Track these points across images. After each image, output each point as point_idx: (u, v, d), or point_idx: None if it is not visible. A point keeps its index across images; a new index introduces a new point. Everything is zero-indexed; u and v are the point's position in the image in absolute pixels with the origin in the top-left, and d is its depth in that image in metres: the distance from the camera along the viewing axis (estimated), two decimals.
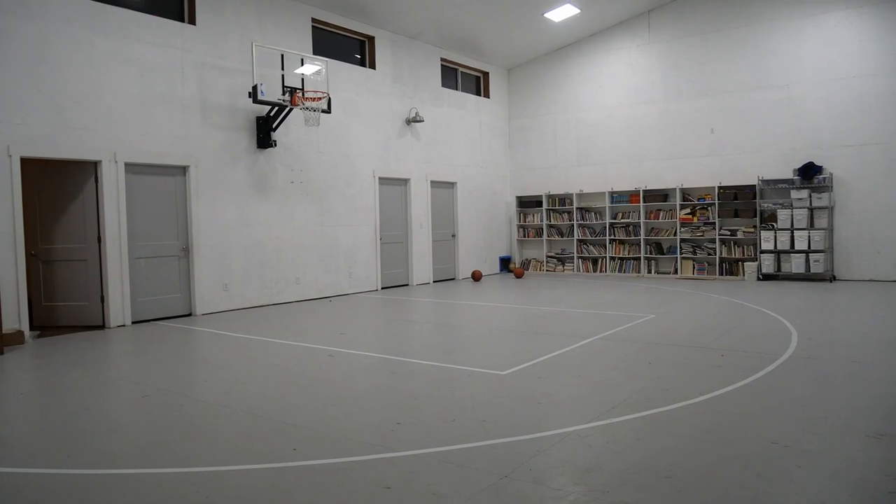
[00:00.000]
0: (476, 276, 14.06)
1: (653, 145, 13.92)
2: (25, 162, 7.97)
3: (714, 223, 13.11)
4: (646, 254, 13.97)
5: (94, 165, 8.44)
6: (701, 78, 13.25)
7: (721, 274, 13.08)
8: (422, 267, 13.41)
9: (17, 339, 7.36)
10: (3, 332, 7.03)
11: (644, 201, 13.90)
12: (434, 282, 13.69)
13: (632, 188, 14.13)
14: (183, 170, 9.32)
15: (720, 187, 12.99)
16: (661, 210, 13.80)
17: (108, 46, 8.43)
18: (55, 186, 8.55)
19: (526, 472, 3.36)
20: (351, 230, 11.85)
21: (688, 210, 13.41)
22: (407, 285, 13.08)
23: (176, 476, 3.43)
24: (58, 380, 5.70)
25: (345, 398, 4.88)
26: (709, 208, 13.19)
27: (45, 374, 5.99)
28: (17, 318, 7.60)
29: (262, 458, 3.64)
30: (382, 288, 12.53)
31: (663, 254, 13.83)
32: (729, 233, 12.97)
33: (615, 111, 14.36)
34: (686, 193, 13.53)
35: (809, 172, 11.92)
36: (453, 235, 14.35)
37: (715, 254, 13.12)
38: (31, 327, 8.17)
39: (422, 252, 13.41)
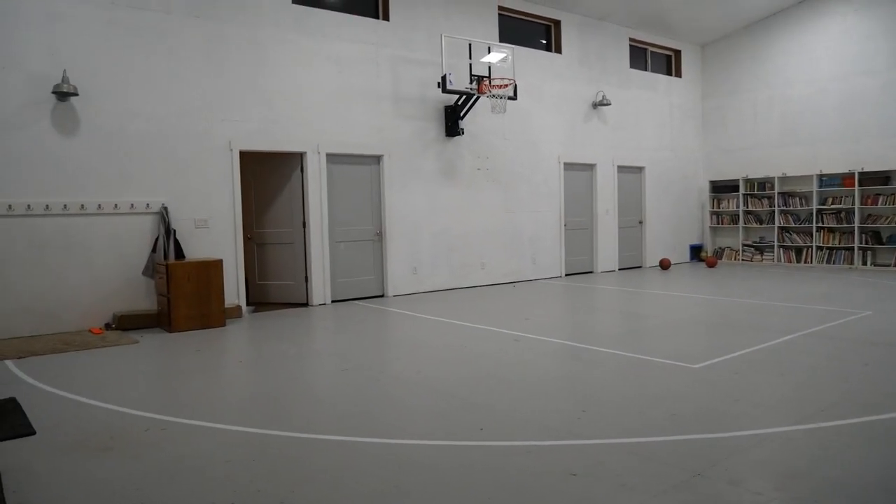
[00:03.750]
0: (664, 265, 13.48)
1: (872, 122, 12.44)
2: (243, 155, 8.86)
3: None
4: (860, 243, 12.56)
5: (300, 157, 9.18)
6: None
7: None
8: (607, 254, 13.11)
9: (236, 312, 8.27)
10: (225, 306, 7.91)
11: (860, 185, 12.48)
12: (619, 269, 13.33)
13: (845, 170, 12.74)
14: (377, 159, 9.86)
15: None
16: (880, 195, 12.31)
17: (311, 46, 9.10)
18: (267, 177, 9.42)
19: (721, 471, 3.18)
20: (535, 216, 11.86)
21: None
22: (591, 272, 12.86)
23: (371, 445, 3.66)
24: (269, 350, 6.31)
25: (529, 382, 4.92)
26: None
27: (259, 344, 6.66)
28: (237, 294, 8.52)
29: (450, 436, 3.77)
30: (566, 275, 12.42)
31: (882, 244, 12.35)
32: None
33: (827, 84, 13.00)
34: None
35: None
36: (640, 222, 13.86)
37: None
38: (248, 303, 9.12)
39: (607, 239, 13.10)
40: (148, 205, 7.83)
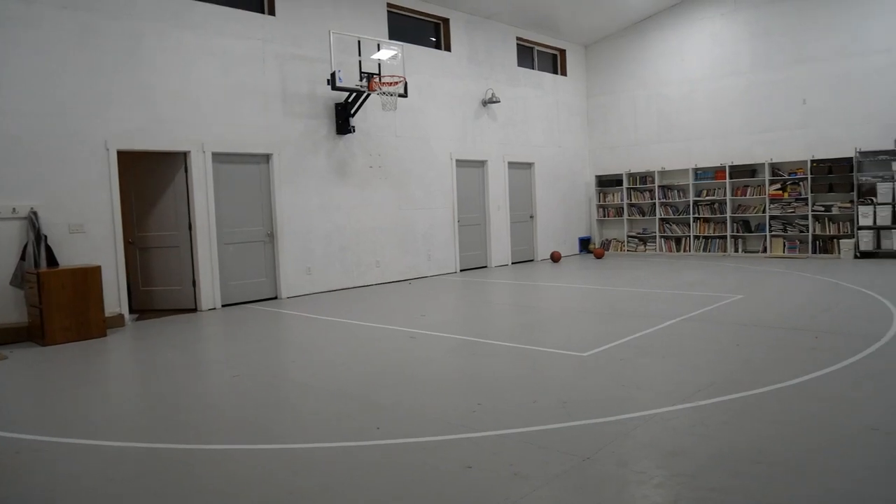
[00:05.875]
0: (555, 257, 13.92)
1: (739, 119, 13.34)
2: (121, 155, 8.39)
3: (806, 199, 12.48)
4: (732, 232, 13.46)
5: (184, 156, 8.80)
6: (792, 45, 12.56)
7: (814, 252, 12.46)
8: (500, 248, 13.38)
9: (118, 321, 7.83)
10: (106, 315, 7.47)
11: (730, 177, 13.36)
12: (512, 263, 13.65)
13: (717, 164, 13.60)
14: (266, 158, 9.60)
15: (813, 161, 12.33)
16: (748, 186, 13.24)
17: (195, 41, 8.74)
18: (148, 177, 8.97)
19: (608, 454, 3.32)
20: (429, 213, 11.93)
21: (778, 185, 12.82)
22: (485, 267, 13.09)
23: (266, 452, 3.56)
24: (155, 360, 6.02)
25: (426, 379, 4.94)
26: (801, 183, 12.56)
27: (144, 354, 6.33)
28: (118, 302, 8.07)
29: (347, 437, 3.73)
30: (461, 270, 12.58)
31: (751, 232, 13.29)
32: (823, 208, 12.32)
33: (698, 84, 13.83)
34: (776, 168, 12.93)
35: None
36: (531, 216, 14.23)
37: (807, 231, 12.50)
38: (131, 311, 8.65)
39: (500, 234, 13.37)
40: (14, 209, 7.27)
